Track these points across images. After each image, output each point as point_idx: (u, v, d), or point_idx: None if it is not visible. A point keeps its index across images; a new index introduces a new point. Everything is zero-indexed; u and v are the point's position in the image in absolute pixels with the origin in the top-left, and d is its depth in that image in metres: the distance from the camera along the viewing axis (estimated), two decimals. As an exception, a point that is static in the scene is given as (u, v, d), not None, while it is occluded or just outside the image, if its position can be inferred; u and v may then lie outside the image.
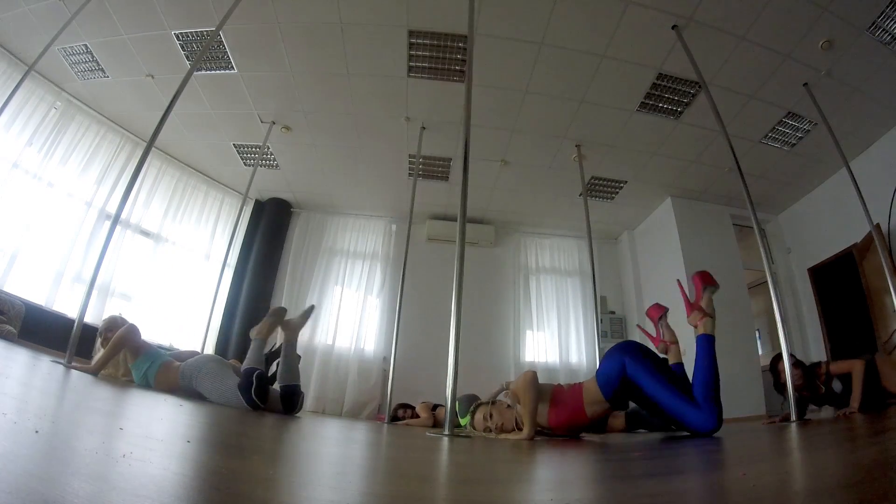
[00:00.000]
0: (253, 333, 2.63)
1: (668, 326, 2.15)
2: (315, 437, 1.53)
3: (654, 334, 2.15)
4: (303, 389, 2.67)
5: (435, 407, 4.20)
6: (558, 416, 2.05)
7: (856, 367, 2.84)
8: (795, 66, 3.63)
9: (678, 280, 1.96)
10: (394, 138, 4.84)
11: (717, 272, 5.01)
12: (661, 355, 2.08)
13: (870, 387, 2.79)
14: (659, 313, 2.13)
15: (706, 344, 1.78)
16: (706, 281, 1.88)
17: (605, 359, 2.01)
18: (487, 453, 1.38)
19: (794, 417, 2.43)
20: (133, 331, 2.61)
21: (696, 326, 1.84)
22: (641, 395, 1.88)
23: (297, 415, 2.61)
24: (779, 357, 2.95)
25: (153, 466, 0.55)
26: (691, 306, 1.85)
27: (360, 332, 5.72)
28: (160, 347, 3.09)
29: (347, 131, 4.80)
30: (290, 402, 2.51)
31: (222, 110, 4.67)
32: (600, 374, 1.98)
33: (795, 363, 2.97)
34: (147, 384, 2.56)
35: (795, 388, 2.86)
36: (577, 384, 2.11)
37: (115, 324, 2.68)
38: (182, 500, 0.41)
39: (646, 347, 1.97)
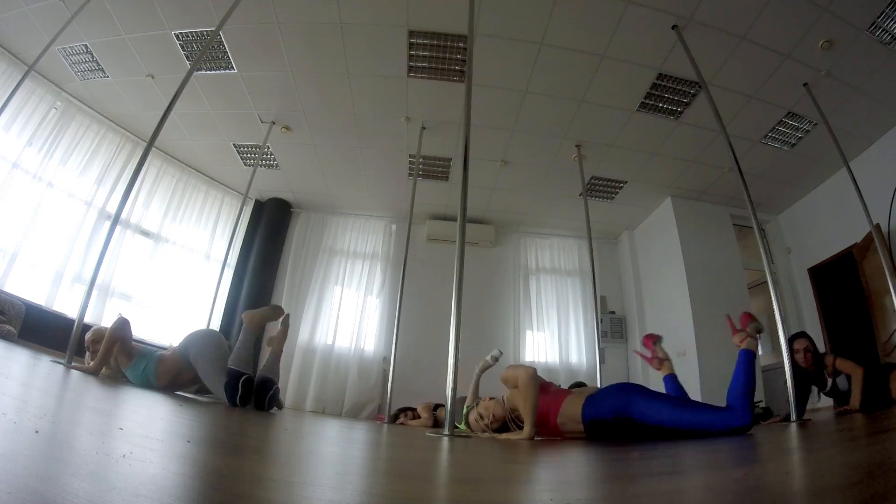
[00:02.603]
0: (245, 318, 2.67)
1: (661, 349, 2.44)
2: (315, 437, 1.53)
3: (650, 356, 2.44)
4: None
5: (436, 407, 4.20)
6: None
7: (857, 372, 2.94)
8: (795, 66, 3.63)
9: (728, 315, 2.19)
10: (394, 138, 4.84)
11: (717, 272, 5.06)
12: (657, 370, 2.38)
13: (878, 393, 2.87)
14: (653, 340, 2.47)
15: (746, 357, 1.96)
16: (750, 318, 2.12)
17: (606, 392, 2.09)
18: (487, 453, 1.38)
19: (794, 417, 2.44)
20: (125, 324, 2.64)
21: (739, 344, 2.02)
22: (640, 428, 1.94)
23: (296, 415, 2.62)
24: (794, 336, 3.16)
25: (153, 466, 0.55)
26: (737, 331, 2.07)
27: (360, 332, 5.72)
28: (160, 347, 3.11)
29: (347, 131, 4.80)
30: (261, 395, 2.53)
31: (222, 110, 4.67)
32: (594, 402, 2.03)
33: (808, 346, 3.16)
34: (148, 383, 2.58)
35: (804, 366, 3.11)
36: (564, 391, 2.20)
37: (100, 334, 2.70)
38: (182, 500, 0.41)
39: (647, 388, 2.07)
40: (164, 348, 3.04)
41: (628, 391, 2.02)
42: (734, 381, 1.92)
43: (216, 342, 2.62)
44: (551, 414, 2.06)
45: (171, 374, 2.60)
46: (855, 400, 2.87)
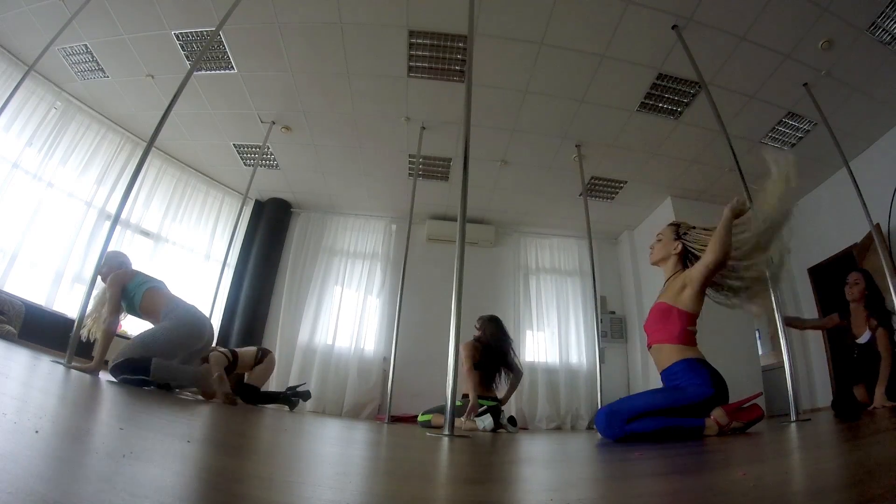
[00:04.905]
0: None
1: None
2: (315, 437, 1.53)
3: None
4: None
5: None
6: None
7: (886, 359, 2.78)
8: (795, 66, 3.63)
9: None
10: (394, 138, 4.84)
11: (717, 272, 5.01)
12: None
13: None
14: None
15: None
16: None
17: (694, 375, 1.99)
18: (487, 453, 1.38)
19: (793, 418, 2.44)
20: (116, 278, 2.65)
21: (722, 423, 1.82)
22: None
23: (298, 414, 2.61)
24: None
25: (153, 466, 0.55)
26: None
27: (360, 332, 5.72)
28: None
29: (347, 131, 4.80)
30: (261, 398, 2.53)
31: (222, 110, 4.67)
32: (685, 368, 2.02)
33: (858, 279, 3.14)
34: (134, 311, 2.66)
35: (856, 298, 3.10)
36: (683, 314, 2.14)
37: (112, 261, 2.75)
38: (182, 500, 0.41)
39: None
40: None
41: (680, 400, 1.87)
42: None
43: (199, 333, 2.61)
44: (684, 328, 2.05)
45: (152, 310, 2.65)
46: (879, 398, 2.69)
